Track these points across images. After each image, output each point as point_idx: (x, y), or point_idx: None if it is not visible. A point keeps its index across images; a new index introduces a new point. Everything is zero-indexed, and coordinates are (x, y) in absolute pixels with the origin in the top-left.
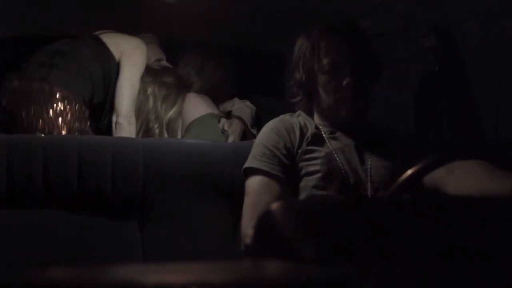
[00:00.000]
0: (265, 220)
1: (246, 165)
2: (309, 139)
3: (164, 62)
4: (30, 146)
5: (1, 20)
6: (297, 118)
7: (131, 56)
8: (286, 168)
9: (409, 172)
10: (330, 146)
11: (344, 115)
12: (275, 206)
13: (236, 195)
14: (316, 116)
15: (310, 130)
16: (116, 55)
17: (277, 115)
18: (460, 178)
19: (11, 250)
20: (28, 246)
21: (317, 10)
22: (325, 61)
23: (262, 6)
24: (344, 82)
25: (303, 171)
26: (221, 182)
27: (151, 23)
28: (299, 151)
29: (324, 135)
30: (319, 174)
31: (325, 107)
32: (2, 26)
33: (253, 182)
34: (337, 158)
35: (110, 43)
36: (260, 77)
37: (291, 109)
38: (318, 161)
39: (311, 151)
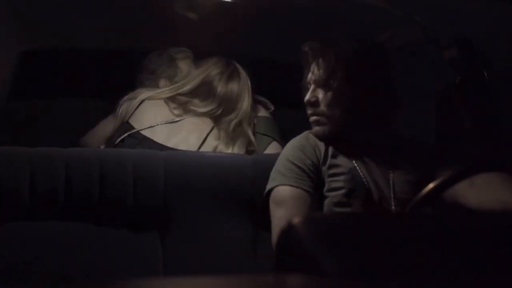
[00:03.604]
0: (287, 234)
1: (276, 183)
2: (332, 154)
3: None
4: (53, 158)
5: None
6: None
7: None
8: (315, 184)
9: (431, 186)
10: (353, 161)
11: (314, 132)
12: (297, 220)
13: (257, 208)
14: None
15: (333, 145)
16: None
17: (297, 126)
18: (481, 191)
19: (32, 262)
20: (50, 258)
21: (338, 22)
22: (305, 79)
23: (283, 18)
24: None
25: (326, 187)
26: (242, 194)
27: (175, 37)
28: (324, 167)
29: (346, 149)
30: (343, 191)
31: None
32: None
33: (284, 196)
34: (361, 174)
35: None
36: (280, 89)
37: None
38: (342, 177)
39: (335, 166)
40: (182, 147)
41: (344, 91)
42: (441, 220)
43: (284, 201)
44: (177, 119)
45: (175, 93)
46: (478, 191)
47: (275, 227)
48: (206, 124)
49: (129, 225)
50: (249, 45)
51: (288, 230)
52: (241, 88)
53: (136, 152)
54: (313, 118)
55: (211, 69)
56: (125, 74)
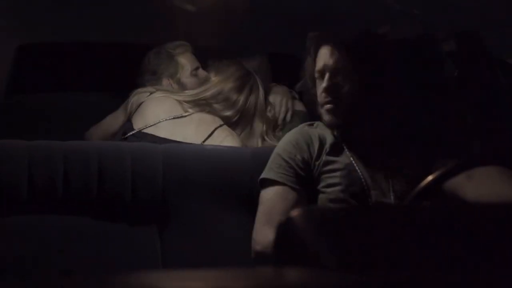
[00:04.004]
0: (285, 227)
1: (263, 176)
2: (328, 149)
3: (201, 71)
4: (51, 152)
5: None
6: (316, 129)
7: None
8: (303, 180)
9: (430, 178)
10: (350, 157)
11: (326, 120)
12: (295, 213)
13: (255, 201)
14: None
15: (329, 140)
16: None
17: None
18: (479, 184)
19: (30, 255)
20: (48, 251)
21: (338, 16)
22: (316, 67)
23: (282, 12)
24: (321, 86)
25: (322, 183)
26: (240, 188)
27: (173, 31)
28: (317, 162)
29: (343, 144)
30: (339, 187)
31: (319, 112)
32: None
33: (268, 192)
34: (358, 169)
35: None
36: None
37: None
38: (338, 173)
39: (331, 162)
40: (189, 140)
41: (363, 81)
42: (440, 212)
43: (267, 197)
44: (186, 114)
45: (193, 98)
46: (476, 184)
47: (256, 221)
48: (215, 120)
49: (128, 219)
50: (248, 38)
51: (287, 223)
52: (257, 99)
53: (135, 145)
54: (328, 106)
55: (231, 79)
56: (127, 68)
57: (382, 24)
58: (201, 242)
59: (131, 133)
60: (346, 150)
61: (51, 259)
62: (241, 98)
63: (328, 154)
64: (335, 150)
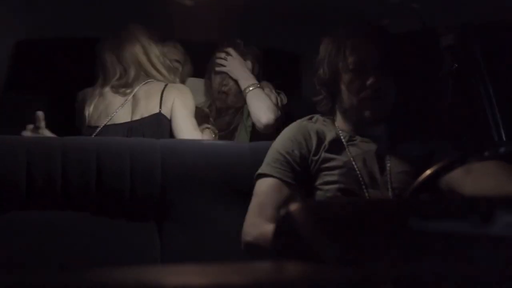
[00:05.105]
0: (285, 221)
1: (259, 171)
2: (327, 146)
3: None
4: (49, 148)
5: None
6: (315, 124)
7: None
8: (299, 175)
9: (428, 172)
10: (349, 154)
11: (367, 115)
12: (294, 206)
13: None
14: (338, 118)
15: (329, 136)
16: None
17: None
18: (477, 178)
19: (30, 251)
20: (47, 247)
21: (335, 11)
22: (350, 59)
23: (279, 8)
24: (368, 82)
25: (320, 180)
26: (239, 182)
27: (169, 26)
28: (315, 158)
29: (343, 140)
30: (336, 185)
31: (348, 107)
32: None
33: (262, 185)
34: (356, 168)
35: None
36: (276, 78)
37: (308, 109)
38: (336, 171)
39: (329, 160)
40: (146, 114)
41: (402, 77)
42: (438, 206)
43: (261, 190)
44: (127, 97)
45: (109, 83)
46: (474, 179)
47: (248, 213)
48: (157, 85)
49: (127, 215)
50: (244, 34)
51: (286, 217)
52: (133, 51)
53: (134, 141)
54: (373, 101)
55: (108, 50)
56: None
57: (381, 18)
58: (200, 238)
59: (95, 133)
60: (346, 147)
61: (50, 255)
62: (124, 53)
63: (327, 151)
64: (335, 147)
